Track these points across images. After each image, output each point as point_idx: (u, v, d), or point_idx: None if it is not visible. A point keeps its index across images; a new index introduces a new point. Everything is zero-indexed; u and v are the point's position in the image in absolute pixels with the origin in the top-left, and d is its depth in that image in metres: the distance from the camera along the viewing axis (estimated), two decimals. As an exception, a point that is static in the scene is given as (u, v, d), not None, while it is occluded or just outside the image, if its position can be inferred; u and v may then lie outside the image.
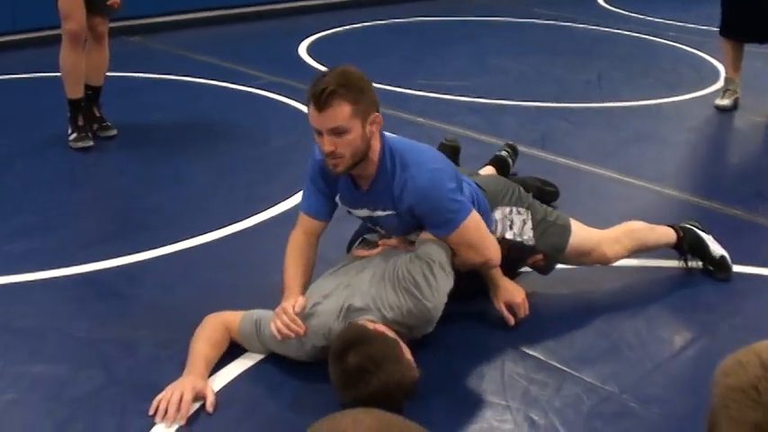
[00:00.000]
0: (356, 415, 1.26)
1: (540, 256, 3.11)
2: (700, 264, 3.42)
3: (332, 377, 2.48)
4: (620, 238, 3.27)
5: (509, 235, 3.03)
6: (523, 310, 3.00)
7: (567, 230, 3.14)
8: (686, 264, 3.43)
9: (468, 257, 2.82)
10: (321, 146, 2.67)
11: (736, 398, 1.28)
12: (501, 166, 4.14)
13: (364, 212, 2.89)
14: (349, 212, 2.96)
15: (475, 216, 2.81)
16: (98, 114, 4.96)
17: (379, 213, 2.84)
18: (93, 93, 4.92)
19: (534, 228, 3.08)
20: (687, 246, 3.41)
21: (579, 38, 8.15)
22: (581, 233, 3.20)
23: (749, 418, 1.25)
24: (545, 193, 4.00)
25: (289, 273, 2.86)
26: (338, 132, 2.62)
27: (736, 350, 1.36)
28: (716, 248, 3.41)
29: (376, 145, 2.73)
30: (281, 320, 2.65)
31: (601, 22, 8.63)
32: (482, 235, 2.84)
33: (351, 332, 2.53)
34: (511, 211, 3.08)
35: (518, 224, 3.07)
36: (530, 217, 3.09)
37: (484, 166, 4.13)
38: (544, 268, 3.19)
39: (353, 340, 2.46)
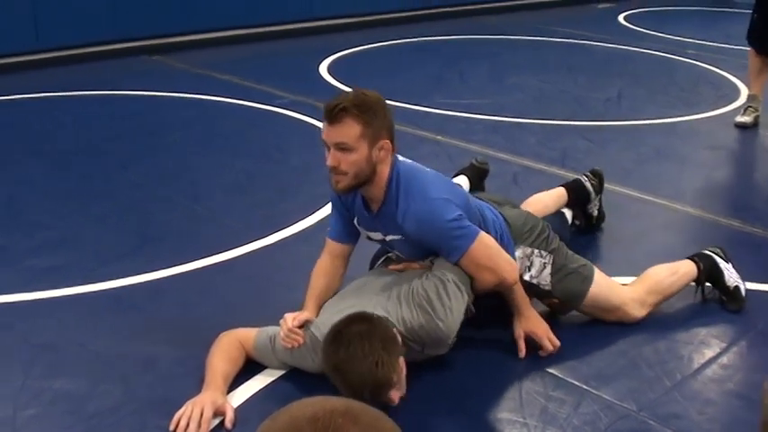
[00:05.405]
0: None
1: (555, 300, 3.09)
2: (715, 293, 3.33)
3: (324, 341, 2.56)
4: (645, 299, 3.16)
5: (526, 276, 3.01)
6: (547, 343, 2.93)
7: (587, 280, 3.07)
8: (702, 296, 3.32)
9: (482, 279, 2.82)
10: (326, 159, 2.71)
11: None
12: (577, 191, 3.84)
13: (378, 236, 2.93)
14: (368, 238, 2.99)
15: (483, 239, 2.80)
16: None
17: (391, 237, 2.87)
18: None
19: (553, 273, 3.05)
20: (705, 276, 3.30)
21: (598, 56, 8.15)
22: (604, 287, 3.11)
23: None
24: (589, 219, 3.92)
25: (309, 288, 2.94)
26: (343, 149, 2.66)
27: (756, 368, 1.40)
28: (732, 278, 3.30)
29: (384, 170, 2.75)
30: (282, 331, 2.75)
31: (620, 40, 8.63)
32: (492, 256, 2.82)
33: (365, 313, 2.60)
34: (532, 253, 3.05)
35: (537, 267, 3.04)
36: (551, 262, 3.06)
37: (557, 186, 3.88)
38: (560, 311, 3.15)
39: (364, 316, 2.55)
